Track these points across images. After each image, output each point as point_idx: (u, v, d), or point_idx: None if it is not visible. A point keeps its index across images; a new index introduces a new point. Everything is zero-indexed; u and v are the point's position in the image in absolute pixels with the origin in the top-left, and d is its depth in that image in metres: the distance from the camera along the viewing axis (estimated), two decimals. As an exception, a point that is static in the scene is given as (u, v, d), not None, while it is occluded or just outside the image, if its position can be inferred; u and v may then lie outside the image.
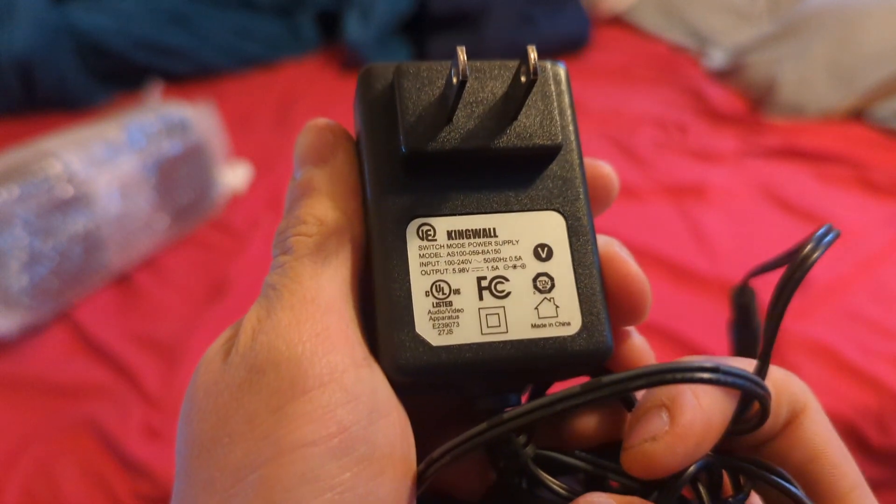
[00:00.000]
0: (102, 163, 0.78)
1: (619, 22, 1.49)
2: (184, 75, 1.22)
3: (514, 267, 0.20)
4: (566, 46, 1.37)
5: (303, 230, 0.19)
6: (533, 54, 0.19)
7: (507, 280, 0.20)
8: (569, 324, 0.20)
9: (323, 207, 0.20)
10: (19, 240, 0.71)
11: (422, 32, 1.34)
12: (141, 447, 0.62)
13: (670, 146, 1.06)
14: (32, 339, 0.73)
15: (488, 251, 0.20)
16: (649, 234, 0.86)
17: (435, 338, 0.19)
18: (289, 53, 1.33)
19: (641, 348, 0.22)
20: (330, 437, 0.16)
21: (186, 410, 0.18)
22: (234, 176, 0.95)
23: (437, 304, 0.19)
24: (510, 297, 0.19)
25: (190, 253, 0.86)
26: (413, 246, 0.19)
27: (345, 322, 0.18)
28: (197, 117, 0.89)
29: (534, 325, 0.19)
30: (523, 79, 0.20)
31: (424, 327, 0.19)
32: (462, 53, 0.18)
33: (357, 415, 0.17)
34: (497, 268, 0.20)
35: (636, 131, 1.09)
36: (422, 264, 0.19)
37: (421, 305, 0.19)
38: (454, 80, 0.19)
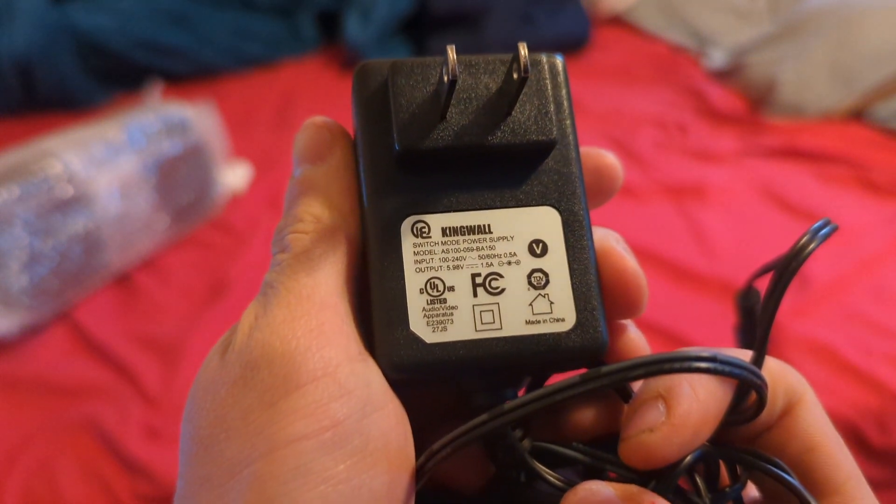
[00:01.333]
0: (102, 163, 0.78)
1: (619, 22, 1.49)
2: (184, 75, 1.22)
3: (509, 263, 0.20)
4: (566, 46, 1.37)
5: (300, 228, 0.20)
6: (523, 51, 0.19)
7: (501, 276, 0.20)
8: (563, 320, 0.20)
9: (319, 206, 0.20)
10: (19, 240, 0.71)
11: (422, 32, 1.34)
12: (141, 447, 0.62)
13: (670, 146, 1.06)
14: (32, 339, 0.73)
15: (483, 248, 0.20)
16: (649, 234, 0.86)
17: (429, 335, 0.19)
18: (289, 53, 1.33)
19: (637, 342, 0.22)
20: (323, 431, 0.17)
21: (188, 409, 0.19)
22: (234, 176, 0.95)
23: (431, 301, 0.19)
24: (504, 293, 0.19)
25: (190, 253, 0.86)
26: (407, 244, 0.19)
27: (340, 318, 0.18)
28: (197, 117, 0.89)
29: (528, 322, 0.19)
30: (515, 75, 0.19)
31: (419, 325, 0.19)
32: (452, 52, 0.18)
33: (350, 408, 0.17)
34: (492, 264, 0.20)
35: (636, 131, 1.09)
36: (416, 262, 0.19)
37: (415, 303, 0.19)
38: (445, 78, 0.19)
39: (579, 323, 0.20)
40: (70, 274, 0.75)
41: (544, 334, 0.19)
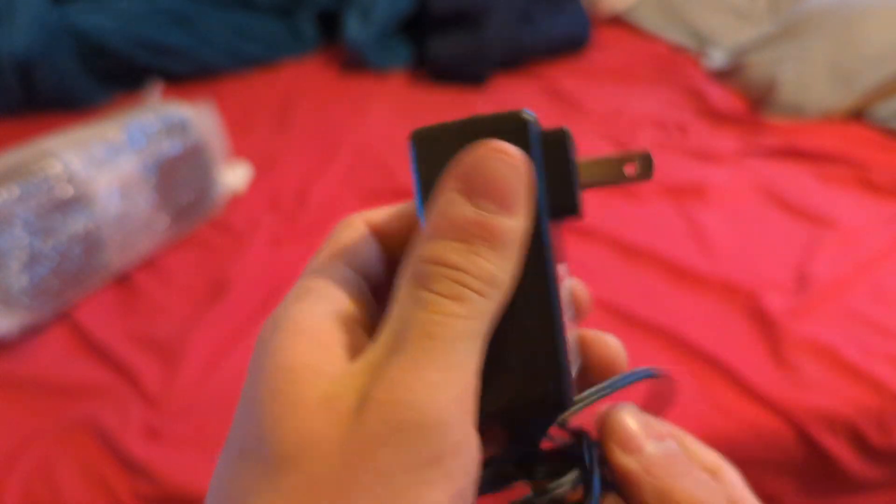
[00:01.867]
0: (102, 163, 0.78)
1: (619, 22, 1.49)
2: (184, 75, 1.22)
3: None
4: (566, 46, 1.37)
5: (479, 287, 0.19)
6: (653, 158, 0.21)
7: None
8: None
9: (504, 271, 0.19)
10: (19, 240, 0.71)
11: (422, 32, 1.34)
12: (141, 447, 0.62)
13: (670, 146, 1.06)
14: (32, 339, 0.73)
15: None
16: (649, 234, 0.85)
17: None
18: (289, 53, 1.33)
19: None
20: (453, 502, 0.18)
21: (293, 440, 0.18)
22: (234, 176, 0.95)
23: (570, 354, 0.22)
24: None
25: (190, 253, 0.86)
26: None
27: (474, 387, 0.19)
28: (197, 117, 0.89)
29: None
30: (636, 176, 0.22)
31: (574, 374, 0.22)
32: (653, 157, 0.21)
33: (469, 480, 0.18)
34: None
35: (636, 131, 1.09)
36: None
37: (573, 356, 0.22)
38: (637, 175, 0.21)
39: None
40: (70, 274, 0.75)
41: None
